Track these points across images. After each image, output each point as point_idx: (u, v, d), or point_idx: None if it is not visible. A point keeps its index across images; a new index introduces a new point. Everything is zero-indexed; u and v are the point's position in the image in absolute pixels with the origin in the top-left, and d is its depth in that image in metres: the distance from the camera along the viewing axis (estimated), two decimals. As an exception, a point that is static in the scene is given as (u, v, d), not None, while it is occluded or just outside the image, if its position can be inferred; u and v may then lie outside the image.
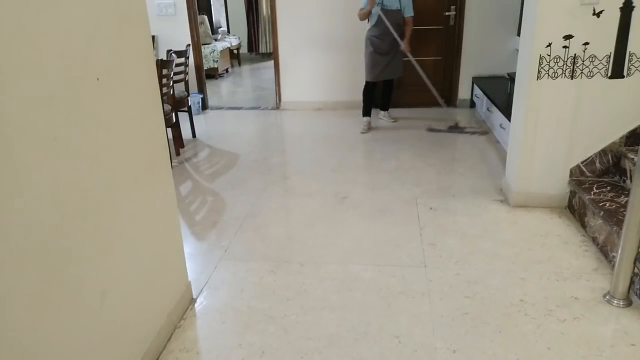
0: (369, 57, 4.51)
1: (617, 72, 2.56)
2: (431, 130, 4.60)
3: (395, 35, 4.36)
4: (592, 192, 2.56)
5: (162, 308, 1.85)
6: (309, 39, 5.31)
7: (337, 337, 1.85)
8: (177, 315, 1.97)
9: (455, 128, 4.58)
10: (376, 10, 4.31)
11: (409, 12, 4.47)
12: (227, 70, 8.81)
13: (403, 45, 4.43)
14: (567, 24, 2.52)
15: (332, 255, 2.46)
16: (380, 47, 4.45)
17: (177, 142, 4.16)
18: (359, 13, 4.41)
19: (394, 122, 4.96)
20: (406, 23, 4.49)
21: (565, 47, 2.56)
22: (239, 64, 9.90)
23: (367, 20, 4.48)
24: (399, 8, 4.39)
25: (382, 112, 5.02)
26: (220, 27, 9.72)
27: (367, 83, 4.67)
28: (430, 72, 5.43)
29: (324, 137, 4.61)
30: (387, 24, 4.31)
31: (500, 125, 4.01)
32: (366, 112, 4.74)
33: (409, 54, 4.47)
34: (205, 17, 8.30)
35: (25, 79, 1.12)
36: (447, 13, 5.16)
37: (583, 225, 2.60)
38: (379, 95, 4.92)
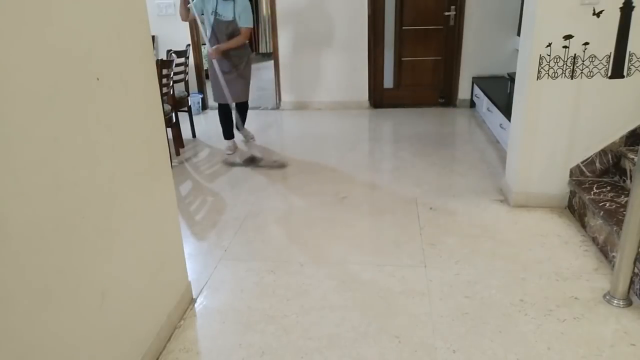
0: (211, 76, 3.93)
1: (617, 72, 2.56)
2: (229, 164, 3.91)
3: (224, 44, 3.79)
4: (592, 192, 2.56)
5: (162, 308, 1.85)
6: (309, 39, 5.31)
7: (337, 337, 1.85)
8: (177, 316, 1.97)
9: (250, 162, 3.88)
10: (210, 21, 3.78)
11: (244, 22, 3.78)
12: (227, 70, 8.79)
13: (210, 47, 3.77)
14: (567, 24, 2.52)
15: (332, 255, 2.46)
16: (220, 64, 3.80)
17: (177, 142, 4.17)
18: (180, 10, 3.78)
19: (253, 140, 4.45)
20: (241, 34, 3.83)
21: (565, 47, 2.56)
22: (239, 64, 9.88)
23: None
24: (234, 18, 3.77)
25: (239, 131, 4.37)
26: (220, 27, 9.70)
27: (218, 105, 4.11)
28: (430, 72, 5.46)
29: (323, 137, 4.61)
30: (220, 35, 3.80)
31: (500, 125, 4.01)
32: (227, 135, 4.19)
33: (214, 62, 3.77)
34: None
35: (25, 79, 1.11)
36: (447, 13, 5.16)
37: (583, 225, 2.60)
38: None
